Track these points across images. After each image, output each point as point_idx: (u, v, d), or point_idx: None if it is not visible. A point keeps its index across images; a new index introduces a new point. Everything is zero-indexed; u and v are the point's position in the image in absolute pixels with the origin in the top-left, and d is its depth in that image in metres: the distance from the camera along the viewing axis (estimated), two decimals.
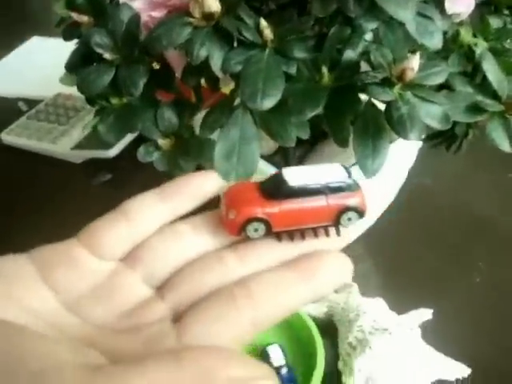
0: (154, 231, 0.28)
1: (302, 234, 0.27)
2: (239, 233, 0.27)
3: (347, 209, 0.27)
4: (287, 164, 0.52)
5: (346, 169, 0.28)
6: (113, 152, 0.73)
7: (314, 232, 0.27)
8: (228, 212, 0.27)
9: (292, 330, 0.51)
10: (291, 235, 0.27)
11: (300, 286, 0.26)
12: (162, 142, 0.43)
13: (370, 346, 0.46)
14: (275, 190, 0.27)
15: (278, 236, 0.27)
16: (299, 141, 0.39)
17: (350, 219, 0.28)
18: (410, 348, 0.47)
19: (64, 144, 0.76)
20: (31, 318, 0.24)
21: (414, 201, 0.64)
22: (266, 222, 0.26)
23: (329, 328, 0.52)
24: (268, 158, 0.51)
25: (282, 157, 0.52)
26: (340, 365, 0.48)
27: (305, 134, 0.39)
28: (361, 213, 0.28)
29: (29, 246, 0.63)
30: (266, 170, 0.50)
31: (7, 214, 0.69)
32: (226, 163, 0.38)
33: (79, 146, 0.75)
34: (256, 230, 0.27)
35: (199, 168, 0.45)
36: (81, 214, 0.67)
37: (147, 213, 0.28)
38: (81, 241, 0.28)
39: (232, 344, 0.24)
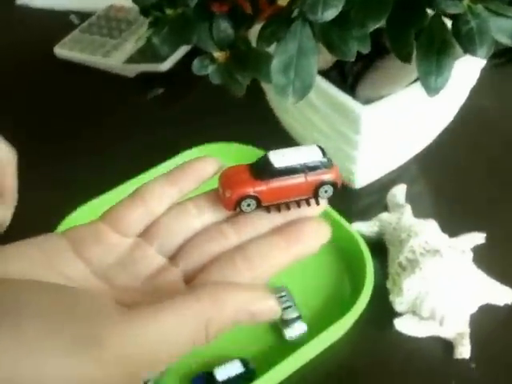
0: (165, 210, 0.33)
1: (287, 205, 0.32)
2: (235, 208, 0.32)
3: (323, 183, 0.32)
4: (344, 79, 0.50)
5: (322, 149, 0.33)
6: (166, 66, 0.72)
7: (297, 203, 0.33)
8: (224, 191, 0.32)
9: (342, 248, 0.52)
10: (278, 207, 0.32)
11: (287, 248, 0.31)
12: (217, 54, 0.42)
13: (421, 267, 0.46)
14: (263, 171, 0.32)
15: (267, 208, 0.32)
16: (357, 56, 0.38)
17: (326, 191, 0.32)
18: (460, 271, 0.47)
19: (117, 57, 0.76)
20: (69, 283, 0.28)
21: (470, 122, 0.62)
22: (257, 198, 0.32)
23: (379, 247, 0.52)
24: (324, 74, 0.49)
25: (338, 72, 0.50)
26: (389, 284, 0.49)
27: (365, 48, 0.38)
28: (335, 185, 0.33)
29: (83, 157, 0.64)
30: (321, 85, 0.48)
31: (61, 127, 0.70)
32: (282, 77, 0.38)
33: (132, 59, 0.75)
34: (248, 205, 0.32)
35: (255, 81, 0.45)
36: (134, 127, 0.68)
37: (159, 195, 0.33)
38: (105, 221, 0.32)
39: None
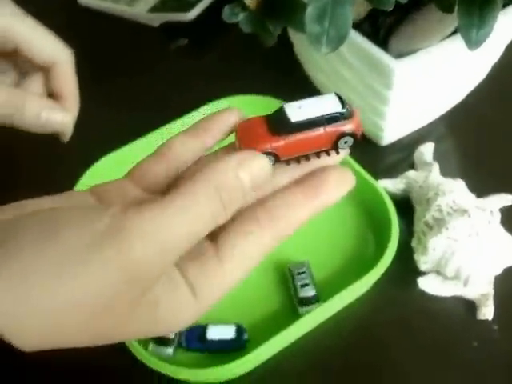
0: (190, 164, 0.33)
1: (306, 157, 0.32)
2: None
3: (343, 135, 0.31)
4: (376, 32, 0.49)
5: (340, 98, 0.31)
6: (192, 14, 0.71)
7: (317, 155, 0.32)
8: (241, 148, 0.31)
9: (367, 204, 0.51)
10: (298, 159, 0.31)
11: (310, 199, 0.30)
12: (248, 1, 0.41)
13: (447, 227, 0.45)
14: (279, 125, 0.31)
15: (287, 161, 0.31)
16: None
17: (346, 142, 0.31)
18: (487, 232, 0.46)
19: (141, 6, 0.74)
20: None
21: (500, 80, 0.59)
22: (274, 154, 0.31)
23: (404, 205, 0.51)
24: (356, 26, 0.48)
25: (370, 25, 0.49)
26: (413, 242, 0.48)
27: None
28: (355, 136, 0.31)
29: (104, 107, 0.63)
30: (353, 38, 0.47)
31: (83, 76, 0.69)
32: (317, 26, 0.36)
33: (156, 8, 0.73)
34: None
35: (284, 34, 0.43)
36: (158, 78, 0.67)
37: (182, 150, 0.33)
38: (130, 177, 0.32)
39: (258, 258, 0.29)
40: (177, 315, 0.27)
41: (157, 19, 0.73)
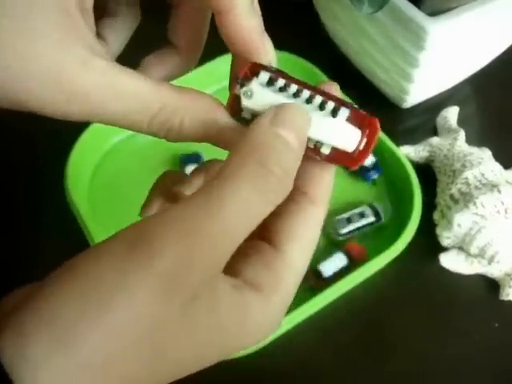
0: None
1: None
2: None
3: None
4: None
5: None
6: None
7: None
8: None
9: (389, 172, 0.48)
10: None
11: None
12: None
13: (475, 202, 0.43)
14: None
15: None
16: None
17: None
18: None
19: None
20: None
21: None
22: None
23: (427, 174, 0.48)
24: None
25: None
26: (436, 215, 0.45)
27: None
28: None
29: None
30: None
31: None
32: None
33: None
34: None
35: None
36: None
37: None
38: None
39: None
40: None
41: None
